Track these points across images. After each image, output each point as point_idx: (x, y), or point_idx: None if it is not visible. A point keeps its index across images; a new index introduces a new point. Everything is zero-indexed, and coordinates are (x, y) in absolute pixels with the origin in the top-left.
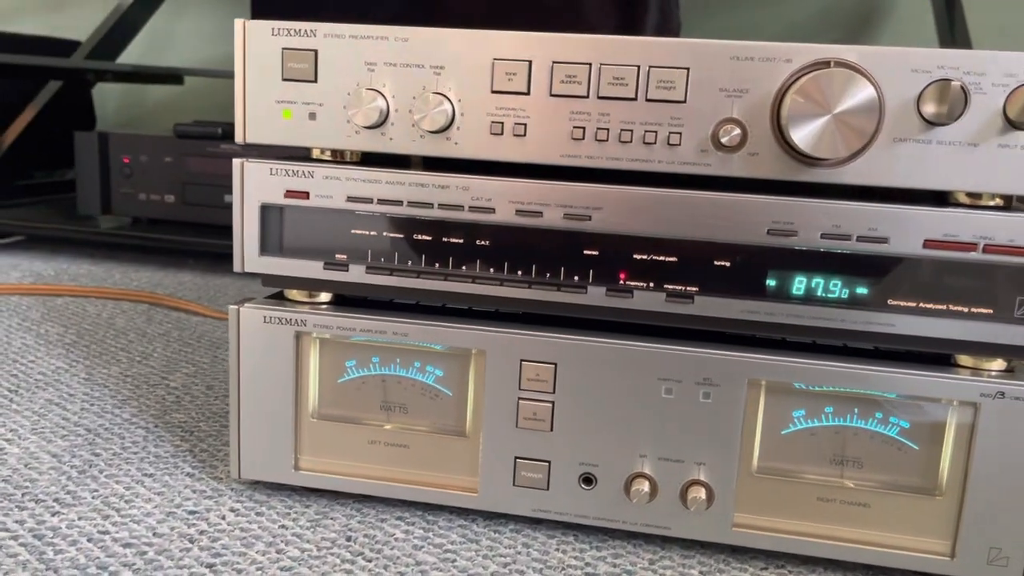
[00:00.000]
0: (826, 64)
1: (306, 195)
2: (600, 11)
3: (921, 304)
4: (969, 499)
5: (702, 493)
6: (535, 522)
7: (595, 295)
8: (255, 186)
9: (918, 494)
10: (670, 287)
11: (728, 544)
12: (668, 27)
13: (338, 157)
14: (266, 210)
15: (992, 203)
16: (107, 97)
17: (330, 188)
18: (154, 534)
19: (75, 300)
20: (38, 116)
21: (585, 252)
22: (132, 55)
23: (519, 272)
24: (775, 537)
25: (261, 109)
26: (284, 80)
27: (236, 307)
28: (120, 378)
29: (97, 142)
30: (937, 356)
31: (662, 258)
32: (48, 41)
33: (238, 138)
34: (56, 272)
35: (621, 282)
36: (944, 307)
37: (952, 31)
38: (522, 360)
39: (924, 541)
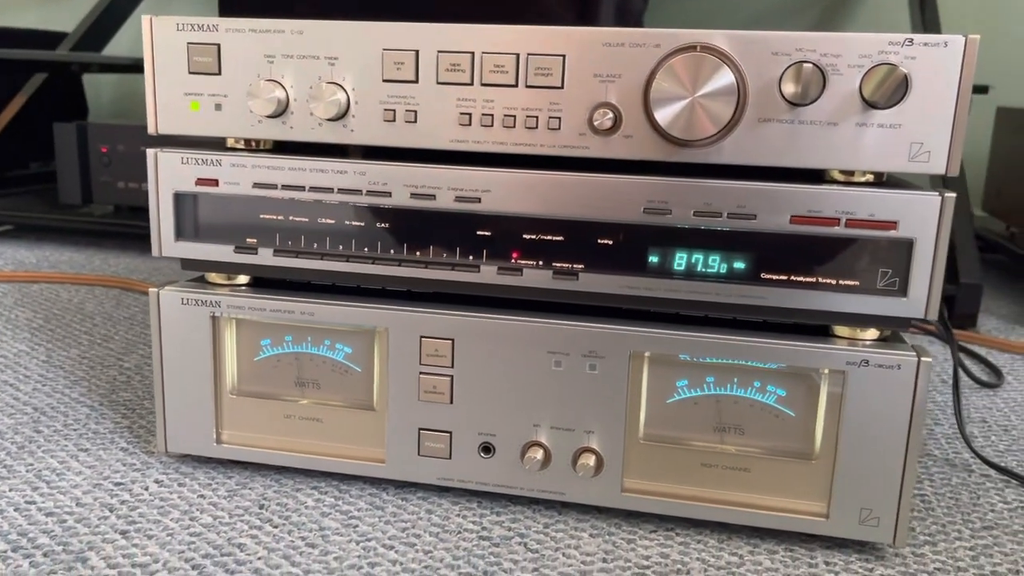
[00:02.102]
0: (692, 48)
1: (215, 183)
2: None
3: (791, 277)
4: (840, 463)
5: (592, 460)
6: (442, 490)
7: (488, 274)
8: (168, 175)
9: (795, 458)
10: (557, 265)
11: (619, 508)
12: (629, 9)
13: (251, 145)
14: (179, 197)
15: (863, 179)
16: (101, 88)
17: (237, 175)
18: (77, 504)
19: (50, 287)
20: (29, 108)
21: (477, 233)
22: (122, 46)
23: (416, 253)
24: (663, 501)
25: (171, 101)
26: (190, 73)
27: (156, 290)
28: (77, 360)
29: (76, 133)
30: (817, 327)
31: (549, 237)
32: (38, 34)
33: (150, 129)
34: (38, 260)
35: (512, 261)
36: (813, 280)
37: (923, 14)
38: (422, 337)
39: (801, 503)
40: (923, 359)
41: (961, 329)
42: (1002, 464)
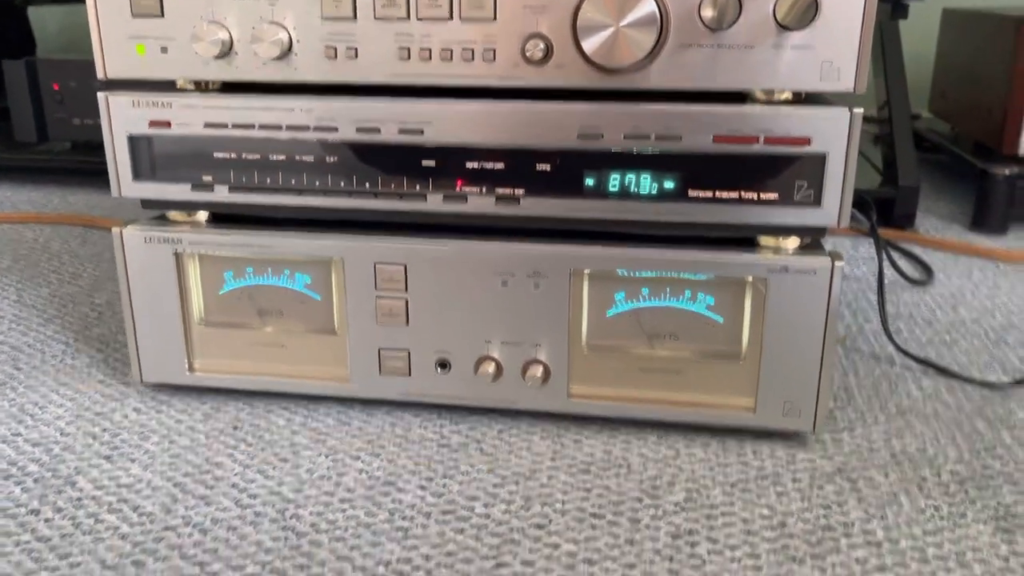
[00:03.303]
0: None
1: (168, 124)
2: None
3: (716, 194)
4: (765, 362)
5: (539, 371)
6: (404, 405)
7: (434, 202)
8: (121, 118)
9: (724, 360)
10: (499, 191)
11: (567, 413)
12: None
13: (200, 86)
14: (134, 140)
15: (783, 98)
16: (47, 20)
17: (189, 116)
18: (61, 434)
19: (13, 227)
20: None
21: (422, 163)
22: None
23: (366, 184)
24: (606, 405)
25: (116, 45)
26: (134, 16)
27: (119, 230)
28: (48, 299)
29: (25, 69)
30: (743, 239)
31: (490, 165)
32: None
33: (99, 74)
34: None
35: (456, 189)
36: (736, 195)
37: None
38: (376, 264)
39: (731, 400)
40: (837, 263)
41: (900, 229)
42: (922, 356)
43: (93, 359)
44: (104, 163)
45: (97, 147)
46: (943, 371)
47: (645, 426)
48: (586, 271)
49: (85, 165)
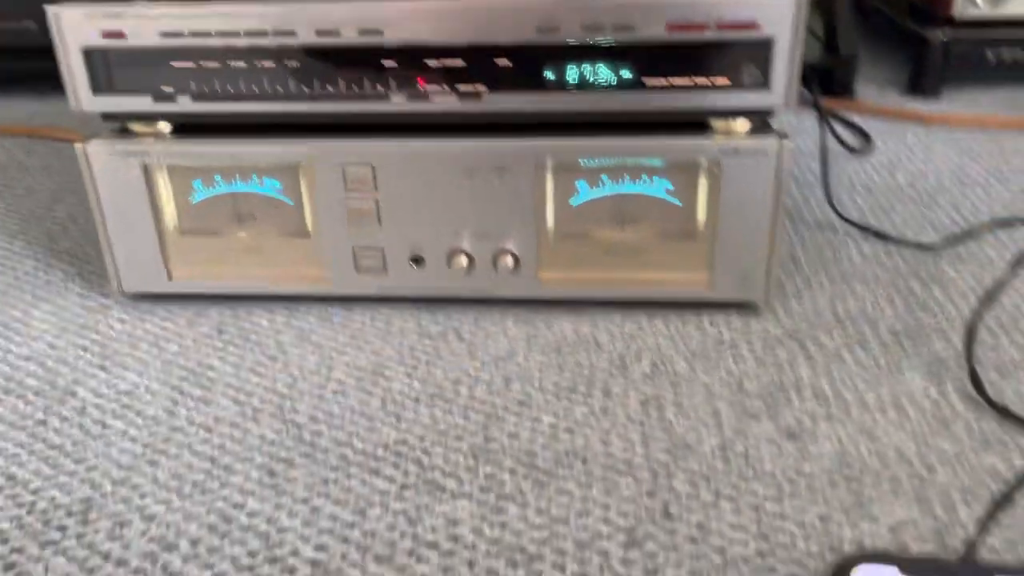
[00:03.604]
0: None
1: (122, 34)
2: None
3: (671, 81)
4: (719, 239)
5: (510, 260)
6: (382, 300)
7: (398, 102)
8: (73, 32)
9: (681, 239)
10: (461, 88)
11: (538, 298)
12: None
13: None
14: (89, 53)
15: None
16: None
17: (143, 26)
18: (51, 348)
19: None
20: None
21: (383, 64)
22: None
23: (328, 88)
24: (574, 288)
25: None
26: None
27: (82, 145)
28: (5, 213)
29: None
30: (697, 124)
31: (451, 63)
32: None
33: None
34: None
35: (419, 88)
36: (690, 81)
37: None
38: (344, 166)
39: (689, 276)
40: (784, 143)
41: (840, 97)
42: (862, 222)
43: (67, 273)
44: (35, 68)
45: (23, 52)
46: (881, 236)
47: (610, 305)
48: (549, 162)
49: (13, 73)
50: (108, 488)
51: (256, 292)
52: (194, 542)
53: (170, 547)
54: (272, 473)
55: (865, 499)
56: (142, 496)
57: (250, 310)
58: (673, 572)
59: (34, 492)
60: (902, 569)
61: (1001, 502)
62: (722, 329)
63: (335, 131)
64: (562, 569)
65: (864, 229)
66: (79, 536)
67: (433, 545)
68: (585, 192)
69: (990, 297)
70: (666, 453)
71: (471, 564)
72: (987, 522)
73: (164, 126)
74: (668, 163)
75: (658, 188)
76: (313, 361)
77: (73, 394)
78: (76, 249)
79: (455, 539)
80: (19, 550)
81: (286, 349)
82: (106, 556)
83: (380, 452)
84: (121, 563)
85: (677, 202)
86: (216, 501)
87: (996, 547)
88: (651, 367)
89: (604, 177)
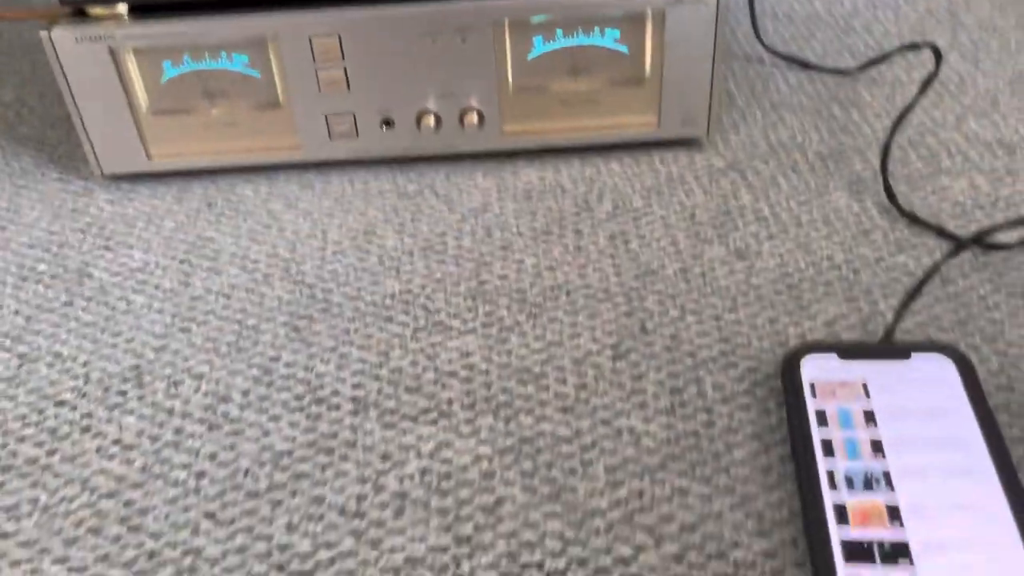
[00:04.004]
0: None
1: None
2: None
3: None
4: (665, 82)
5: (475, 116)
6: (356, 164)
7: None
8: None
9: (631, 85)
10: None
11: (503, 149)
12: None
13: None
14: None
15: None
16: None
17: None
18: (50, 233)
19: None
20: None
21: None
22: None
23: None
24: (535, 137)
25: None
26: None
27: (46, 32)
28: None
29: None
30: None
31: None
32: None
33: None
34: None
35: None
36: None
37: None
38: (311, 37)
39: (639, 119)
40: None
41: None
42: (786, 52)
43: (37, 160)
44: None
45: None
46: (804, 64)
47: (570, 152)
48: (506, 21)
49: None
50: (151, 355)
51: (235, 165)
52: (244, 392)
53: (224, 399)
54: (297, 329)
55: (804, 302)
56: (184, 359)
57: (232, 183)
58: (654, 375)
59: (84, 365)
60: (839, 354)
61: (912, 294)
62: (671, 166)
63: (299, 2)
64: (564, 382)
65: (788, 59)
66: (140, 398)
67: (452, 374)
68: (540, 46)
69: (901, 118)
70: (636, 279)
71: (488, 386)
72: (901, 311)
73: (122, 7)
74: (617, 15)
75: (608, 39)
76: (306, 226)
77: (88, 275)
78: (37, 134)
79: (470, 367)
80: (88, 415)
81: (277, 216)
82: (170, 411)
83: (388, 302)
84: (186, 416)
85: (625, 51)
86: (253, 357)
87: (909, 330)
88: (612, 206)
89: (558, 31)
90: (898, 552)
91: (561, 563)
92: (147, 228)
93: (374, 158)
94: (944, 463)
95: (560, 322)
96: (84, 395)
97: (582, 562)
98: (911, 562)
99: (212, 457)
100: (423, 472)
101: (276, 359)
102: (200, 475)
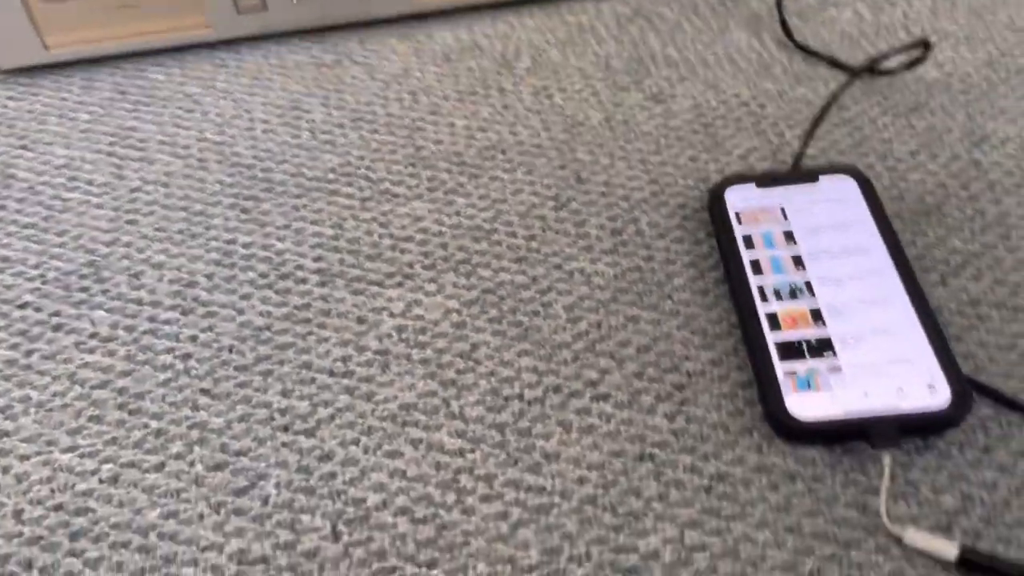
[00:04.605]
0: None
1: None
2: None
3: None
4: None
5: None
6: (267, 38)
7: None
8: None
9: None
10: None
11: (414, 12)
12: None
13: None
14: None
15: None
16: None
17: None
18: None
19: None
20: None
21: None
22: None
23: None
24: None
25: None
26: None
27: None
28: None
29: None
30: None
31: None
32: None
33: None
34: None
35: None
36: None
37: None
38: None
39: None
40: None
41: None
42: None
43: None
44: None
45: None
46: None
47: (481, 9)
48: None
49: None
50: (104, 250)
51: (141, 48)
52: (209, 276)
53: (191, 284)
54: (246, 211)
55: (719, 139)
56: (139, 251)
57: (140, 68)
58: (595, 220)
59: (36, 267)
60: (757, 184)
61: (815, 123)
62: (580, 16)
63: None
64: (514, 235)
65: None
66: (104, 292)
67: (408, 239)
68: None
69: None
70: (565, 132)
71: (444, 246)
72: (807, 140)
73: None
74: None
75: None
76: (229, 107)
77: (12, 177)
78: None
79: (424, 231)
80: (56, 313)
81: (197, 100)
82: (139, 302)
83: (331, 176)
84: (156, 304)
85: None
86: (209, 242)
87: (813, 155)
88: (531, 61)
89: None
90: (823, 346)
91: (539, 392)
92: (61, 123)
93: (285, 31)
94: (854, 269)
95: (501, 180)
96: (46, 295)
97: (556, 389)
98: (834, 353)
99: (193, 339)
100: (399, 329)
101: (232, 241)
102: (186, 357)
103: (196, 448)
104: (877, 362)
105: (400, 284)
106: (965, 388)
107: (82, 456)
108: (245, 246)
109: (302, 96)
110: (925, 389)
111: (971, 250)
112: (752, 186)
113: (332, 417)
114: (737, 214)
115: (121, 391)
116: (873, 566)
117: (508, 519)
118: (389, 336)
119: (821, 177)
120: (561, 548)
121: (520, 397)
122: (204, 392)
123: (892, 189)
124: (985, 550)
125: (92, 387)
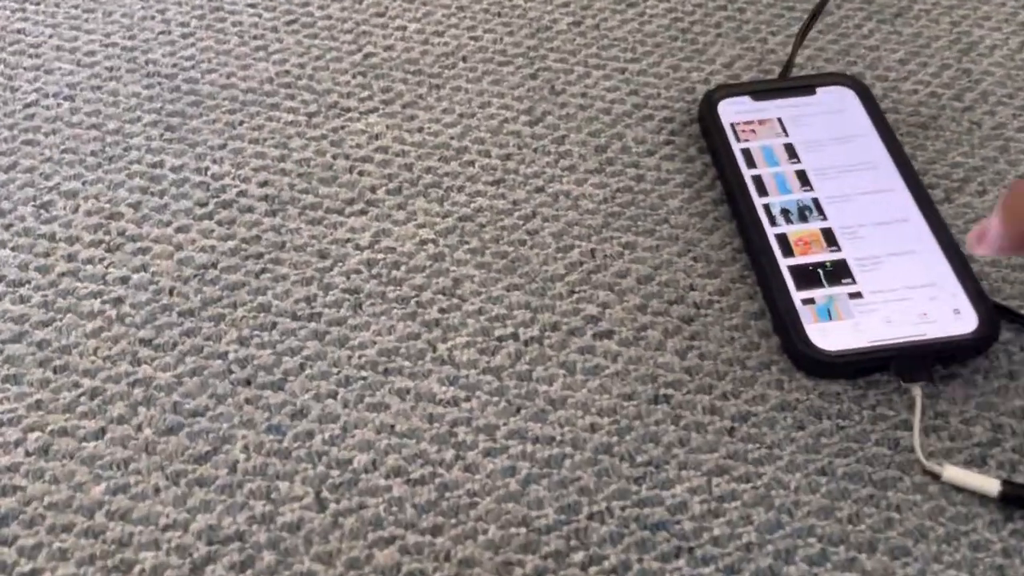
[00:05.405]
0: None
1: None
2: None
3: None
4: None
5: None
6: None
7: None
8: None
9: None
10: None
11: None
12: None
13: None
14: None
15: None
16: None
17: None
18: None
19: None
20: None
21: None
22: None
23: None
24: None
25: None
26: None
27: None
28: None
29: None
30: None
31: None
32: None
33: None
34: None
35: None
36: None
37: None
38: None
39: None
40: None
41: None
42: None
43: None
44: None
45: None
46: None
47: None
48: None
49: None
50: (1, 177)
51: None
52: (135, 206)
53: (114, 215)
54: (171, 128)
55: (700, 46)
56: (45, 177)
57: None
58: (575, 136)
59: None
60: (752, 96)
61: (804, 30)
62: None
63: None
64: (487, 154)
65: None
66: (6, 227)
67: (367, 159)
68: None
69: None
70: (531, 38)
71: (409, 167)
72: (796, 47)
73: None
74: None
75: None
76: (137, 6)
77: None
78: None
79: (384, 150)
80: None
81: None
82: (51, 237)
83: (268, 87)
84: (73, 240)
85: None
86: (131, 165)
87: (800, 64)
88: None
89: None
90: (840, 271)
91: (535, 331)
92: None
93: None
94: (863, 185)
95: (465, 91)
96: None
97: (554, 326)
98: (852, 279)
99: (124, 281)
100: (368, 264)
101: (159, 164)
102: (118, 301)
103: (142, 409)
104: (898, 287)
105: (363, 212)
106: (991, 312)
107: (0, 424)
108: (175, 170)
109: None
110: (951, 314)
111: (972, 164)
112: (747, 99)
113: (301, 367)
114: (733, 127)
115: (41, 345)
116: (912, 506)
117: (516, 475)
118: (358, 272)
119: (819, 89)
120: (579, 505)
121: (515, 337)
122: (144, 343)
123: (885, 100)
124: None
125: (5, 340)
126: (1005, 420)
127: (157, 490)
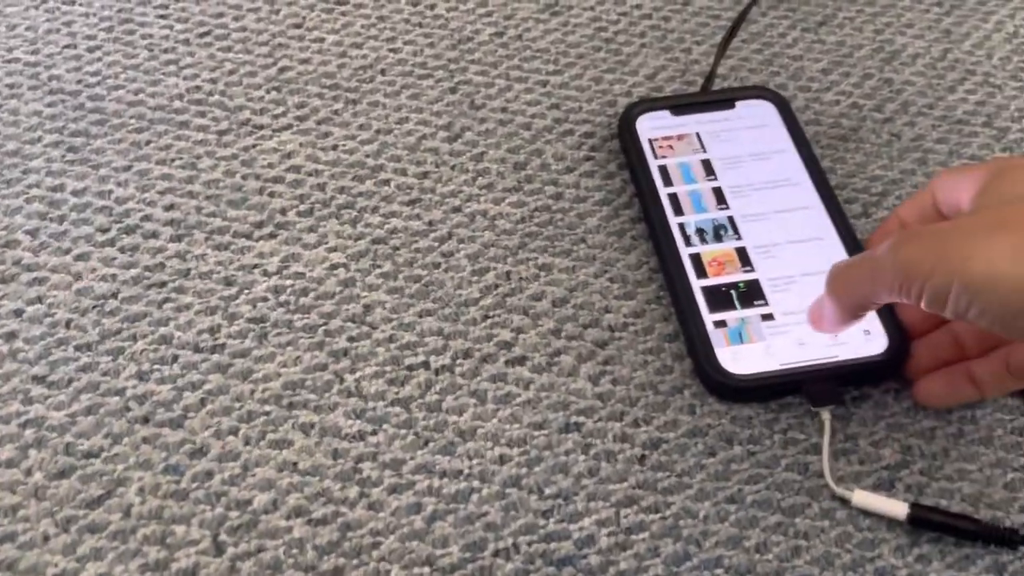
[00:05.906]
0: None
1: None
2: None
3: None
4: None
5: None
6: None
7: None
8: None
9: None
10: None
11: None
12: None
13: None
14: None
15: None
16: None
17: None
18: None
19: None
20: None
21: None
22: None
23: None
24: None
25: None
26: None
27: None
28: None
29: None
30: None
31: None
32: None
33: None
34: None
35: None
36: None
37: None
38: None
39: None
40: None
41: None
42: None
43: None
44: None
45: None
46: None
47: None
48: None
49: None
50: None
51: None
52: (33, 232)
53: (9, 243)
54: (73, 149)
55: (624, 56)
56: None
57: None
58: (494, 153)
59: None
60: (671, 111)
61: (726, 41)
62: None
63: None
64: (403, 172)
65: None
66: None
67: (278, 180)
68: None
69: None
70: (452, 49)
71: (322, 187)
72: (719, 59)
73: None
74: None
75: None
76: (42, 18)
77: None
78: None
79: (296, 169)
80: None
81: (1, 9)
82: None
83: (178, 104)
84: None
85: None
86: (30, 189)
87: (724, 75)
88: None
89: None
90: (753, 292)
91: (447, 358)
92: None
93: None
94: (779, 202)
95: (383, 106)
96: None
97: (466, 354)
98: (765, 300)
99: (17, 314)
100: (276, 291)
101: (60, 188)
102: (10, 336)
103: (32, 451)
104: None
105: (272, 235)
106: (902, 333)
107: None
108: (76, 193)
109: (134, 4)
110: (861, 336)
111: (891, 177)
112: (666, 113)
113: (202, 403)
114: (651, 143)
115: None
116: (819, 532)
117: (422, 512)
118: (264, 300)
119: (738, 103)
120: (485, 542)
121: (425, 366)
122: (38, 380)
123: (807, 111)
124: (933, 505)
125: None
126: (914, 441)
127: (46, 538)
